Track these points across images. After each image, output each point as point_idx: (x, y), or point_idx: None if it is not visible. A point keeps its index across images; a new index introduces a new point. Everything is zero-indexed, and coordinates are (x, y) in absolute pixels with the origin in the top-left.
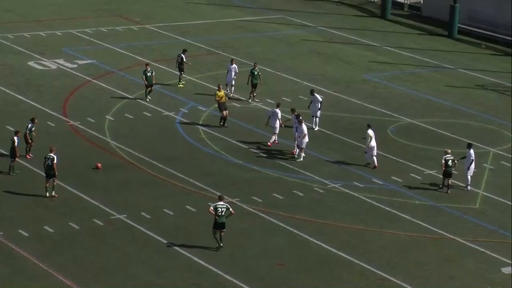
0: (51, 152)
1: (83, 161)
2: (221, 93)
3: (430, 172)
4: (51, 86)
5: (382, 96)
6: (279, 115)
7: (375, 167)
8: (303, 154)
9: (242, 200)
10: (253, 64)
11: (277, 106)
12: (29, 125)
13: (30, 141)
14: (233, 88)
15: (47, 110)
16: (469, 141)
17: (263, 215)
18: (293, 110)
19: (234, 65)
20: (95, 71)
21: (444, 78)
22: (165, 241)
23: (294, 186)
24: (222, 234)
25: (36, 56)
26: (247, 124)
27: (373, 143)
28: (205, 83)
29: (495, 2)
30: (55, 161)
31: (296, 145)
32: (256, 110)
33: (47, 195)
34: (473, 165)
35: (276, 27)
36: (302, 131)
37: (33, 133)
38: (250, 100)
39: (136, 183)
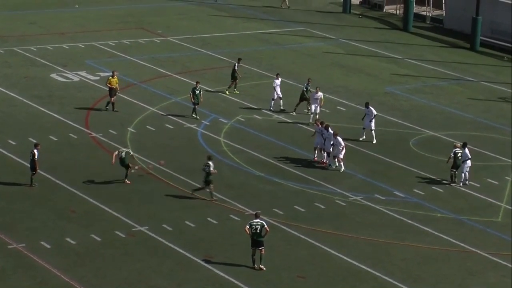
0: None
1: (105, 173)
2: (115, 79)
3: (452, 184)
4: (73, 98)
5: (404, 109)
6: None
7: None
8: (342, 164)
9: (263, 212)
10: (307, 80)
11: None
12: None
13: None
14: (281, 101)
15: (69, 122)
16: (465, 142)
17: (285, 228)
18: (322, 123)
19: (279, 79)
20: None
21: (466, 90)
22: (187, 253)
23: (316, 199)
24: (262, 253)
25: (59, 68)
26: (268, 137)
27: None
28: (227, 96)
29: None
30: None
31: (326, 155)
32: (277, 122)
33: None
34: (469, 162)
35: (298, 39)
36: (339, 143)
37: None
38: (294, 113)
39: (157, 195)
